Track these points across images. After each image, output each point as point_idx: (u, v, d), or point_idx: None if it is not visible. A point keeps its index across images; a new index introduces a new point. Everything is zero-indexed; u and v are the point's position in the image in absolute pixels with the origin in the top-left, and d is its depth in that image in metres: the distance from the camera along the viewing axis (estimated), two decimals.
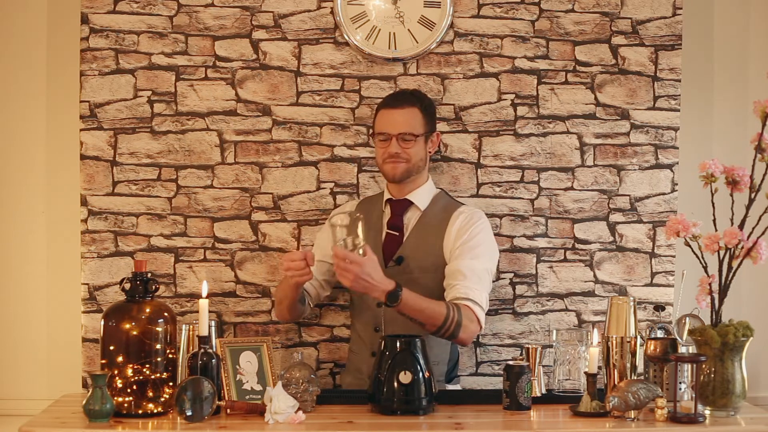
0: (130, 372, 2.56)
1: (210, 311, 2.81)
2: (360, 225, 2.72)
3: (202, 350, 2.62)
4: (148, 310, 2.61)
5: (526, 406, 2.71)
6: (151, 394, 2.58)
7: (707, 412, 2.66)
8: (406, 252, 3.06)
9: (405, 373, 2.63)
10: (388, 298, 2.77)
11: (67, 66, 3.43)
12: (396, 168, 3.06)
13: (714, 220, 2.69)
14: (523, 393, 2.71)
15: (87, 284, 3.32)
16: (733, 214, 2.68)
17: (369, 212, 3.10)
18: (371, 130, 3.21)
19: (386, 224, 3.11)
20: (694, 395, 2.63)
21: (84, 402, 2.52)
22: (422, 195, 3.14)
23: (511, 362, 2.74)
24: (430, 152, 3.15)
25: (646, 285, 3.44)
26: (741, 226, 2.68)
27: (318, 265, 3.02)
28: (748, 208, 2.70)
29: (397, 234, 3.09)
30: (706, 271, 2.71)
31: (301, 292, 3.03)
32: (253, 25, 3.37)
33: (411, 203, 3.13)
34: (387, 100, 3.14)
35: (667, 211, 3.43)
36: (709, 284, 2.69)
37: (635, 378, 2.73)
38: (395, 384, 2.63)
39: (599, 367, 2.72)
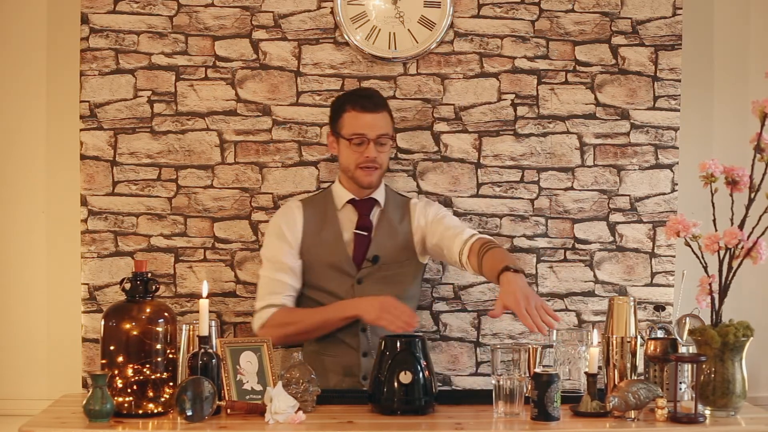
0: (130, 372, 2.56)
1: (210, 311, 2.80)
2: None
3: (203, 350, 2.62)
4: (148, 310, 2.60)
5: (555, 416, 2.55)
6: (151, 394, 2.57)
7: (707, 412, 2.65)
8: (378, 250, 3.07)
9: (405, 373, 2.62)
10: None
11: (67, 66, 3.43)
12: (371, 175, 3.06)
13: (714, 220, 2.68)
14: (552, 403, 2.55)
15: (87, 284, 3.32)
16: (733, 214, 2.67)
17: (322, 215, 3.10)
18: (331, 130, 3.11)
19: (355, 225, 3.10)
20: (694, 395, 2.63)
21: (84, 402, 2.51)
22: (381, 192, 3.16)
23: (539, 370, 2.60)
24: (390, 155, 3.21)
25: (646, 285, 3.44)
26: (741, 226, 2.67)
27: (290, 273, 3.07)
28: (748, 208, 2.69)
29: (366, 234, 3.10)
30: (706, 271, 2.70)
31: None
32: (253, 25, 3.37)
33: (375, 201, 3.13)
34: (361, 103, 3.05)
35: (667, 211, 3.43)
36: (709, 284, 2.68)
37: (635, 378, 2.72)
38: (395, 384, 2.63)
39: (599, 367, 2.71)
